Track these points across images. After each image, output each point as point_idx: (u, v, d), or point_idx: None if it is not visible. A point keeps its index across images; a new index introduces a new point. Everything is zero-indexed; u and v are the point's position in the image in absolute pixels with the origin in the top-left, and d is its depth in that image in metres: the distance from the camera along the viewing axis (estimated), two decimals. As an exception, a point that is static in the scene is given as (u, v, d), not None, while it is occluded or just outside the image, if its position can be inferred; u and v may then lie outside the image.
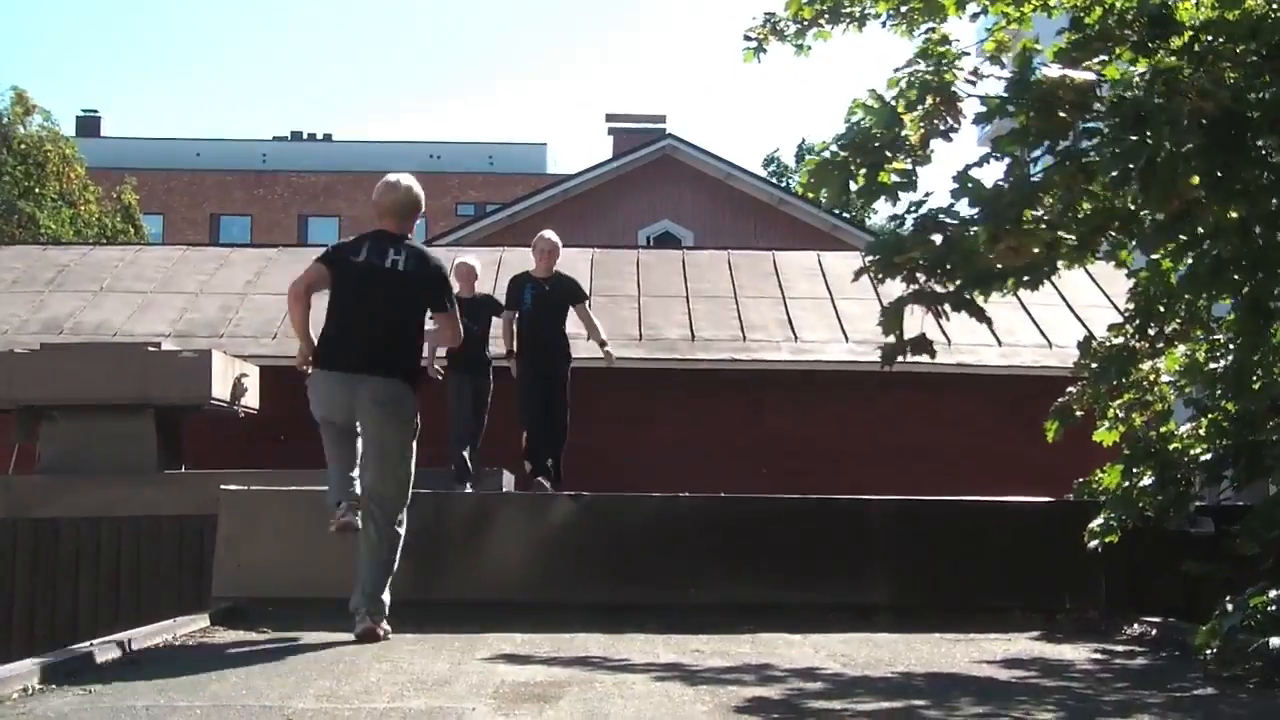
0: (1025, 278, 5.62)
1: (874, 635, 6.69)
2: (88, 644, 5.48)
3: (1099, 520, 6.96)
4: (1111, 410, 7.61)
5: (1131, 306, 7.38)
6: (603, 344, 10.13)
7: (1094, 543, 7.01)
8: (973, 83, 5.75)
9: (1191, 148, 4.65)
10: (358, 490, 6.44)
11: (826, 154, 5.88)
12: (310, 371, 6.54)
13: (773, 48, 7.87)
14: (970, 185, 5.53)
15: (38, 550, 9.79)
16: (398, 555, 6.39)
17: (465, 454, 10.08)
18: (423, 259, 6.61)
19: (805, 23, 7.76)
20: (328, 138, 51.21)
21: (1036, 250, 5.42)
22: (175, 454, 10.57)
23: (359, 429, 6.45)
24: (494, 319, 10.48)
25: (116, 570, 9.75)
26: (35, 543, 9.80)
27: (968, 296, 5.68)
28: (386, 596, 6.33)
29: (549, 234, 10.32)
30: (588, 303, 10.37)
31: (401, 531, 6.39)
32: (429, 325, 6.73)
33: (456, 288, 9.87)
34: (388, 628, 6.33)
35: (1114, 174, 4.90)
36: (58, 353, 10.76)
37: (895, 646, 6.31)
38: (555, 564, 7.50)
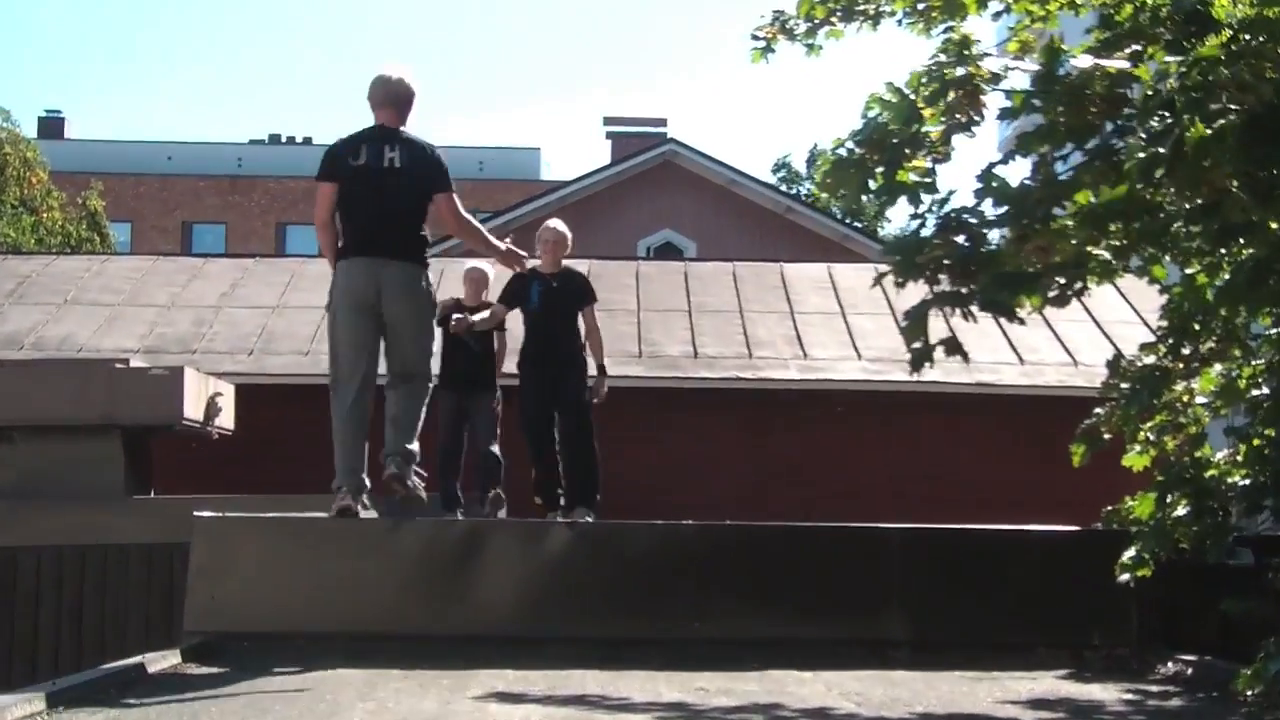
0: (1052, 293, 5.60)
1: (890, 673, 6.67)
2: (49, 683, 5.45)
3: (1130, 552, 6.94)
4: (1142, 433, 7.59)
5: (1164, 324, 7.36)
6: (600, 369, 9.11)
7: (1125, 576, 6.99)
8: (998, 78, 5.74)
9: (1226, 135, 4.62)
10: (364, 476, 7.30)
11: (842, 152, 5.86)
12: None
13: (781, 47, 7.87)
14: (995, 184, 5.52)
15: (-6, 581, 9.75)
16: (424, 408, 7.53)
17: (480, 486, 9.47)
18: (415, 149, 7.51)
19: (817, 21, 7.78)
20: (307, 141, 51.15)
21: (1066, 251, 5.40)
22: (144, 478, 10.54)
23: (380, 330, 7.53)
24: (500, 334, 9.90)
25: (79, 603, 9.71)
26: (-8, 573, 9.76)
27: (996, 296, 5.65)
28: (414, 445, 7.43)
29: (555, 223, 9.59)
30: (595, 307, 9.44)
31: (427, 388, 7.63)
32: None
33: (462, 293, 9.83)
34: (415, 480, 7.45)
35: (1140, 157, 4.88)
36: (18, 370, 10.74)
37: (913, 685, 6.29)
38: (551, 596, 7.48)
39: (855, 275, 17.25)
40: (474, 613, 7.37)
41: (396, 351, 7.58)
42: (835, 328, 15.62)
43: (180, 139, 52.65)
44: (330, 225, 7.63)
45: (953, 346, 6.00)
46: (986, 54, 6.18)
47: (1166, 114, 4.85)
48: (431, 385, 7.79)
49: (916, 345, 6.02)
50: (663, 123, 30.97)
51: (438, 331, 8.34)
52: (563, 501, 8.67)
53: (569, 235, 9.44)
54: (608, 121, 31.53)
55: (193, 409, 10.33)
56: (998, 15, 7.86)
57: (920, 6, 7.63)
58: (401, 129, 7.57)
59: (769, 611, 7.46)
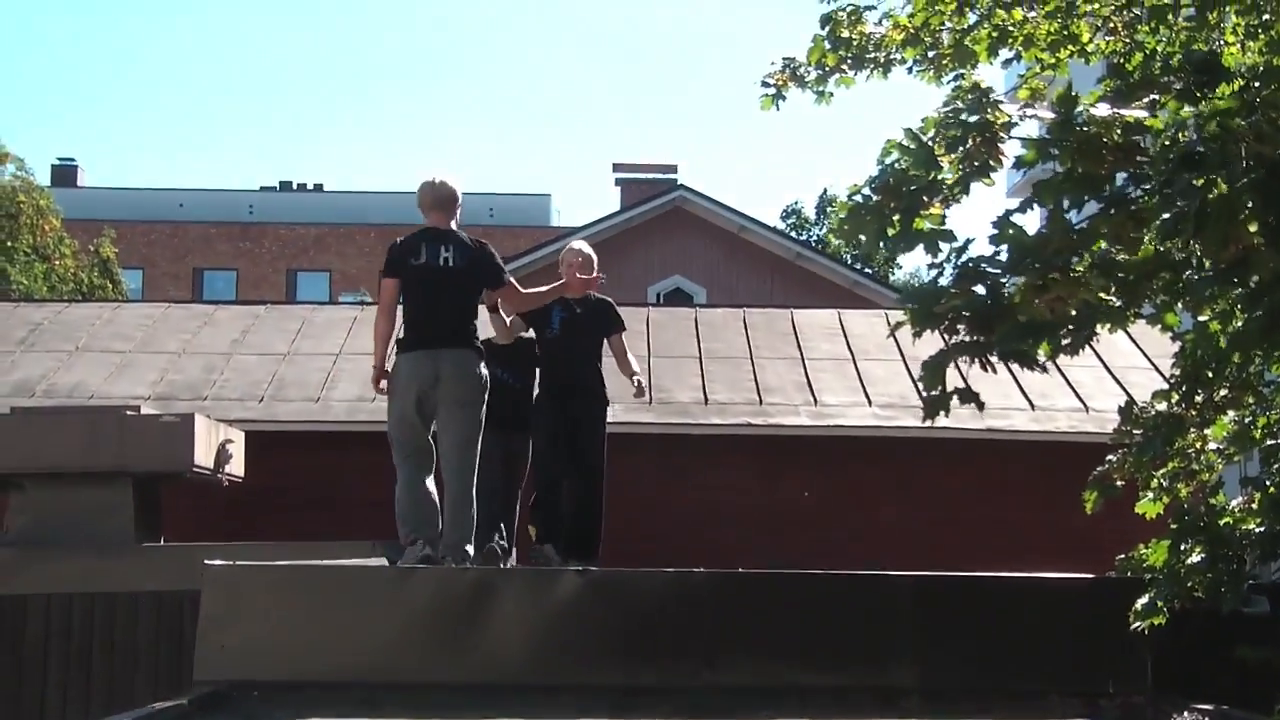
0: (1067, 341, 5.58)
1: (902, 721, 6.62)
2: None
3: (1144, 599, 6.89)
4: (1155, 480, 7.56)
5: (1177, 371, 7.34)
6: (633, 374, 9.12)
7: (1139, 623, 6.94)
8: (1015, 124, 5.74)
9: (1249, 192, 4.62)
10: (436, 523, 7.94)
11: (859, 198, 5.85)
12: (384, 385, 8.27)
13: (792, 95, 7.92)
14: (1011, 232, 5.51)
15: (3, 629, 9.71)
16: (474, 503, 8.06)
17: (496, 529, 9.13)
18: (465, 249, 8.28)
19: (827, 69, 7.81)
20: (319, 188, 51.47)
21: (1083, 299, 5.38)
22: (154, 525, 10.52)
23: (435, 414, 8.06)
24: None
25: (89, 650, 9.67)
26: (0, 621, 9.73)
27: (1016, 346, 5.63)
28: (469, 549, 8.01)
29: (579, 243, 9.43)
30: (624, 334, 9.34)
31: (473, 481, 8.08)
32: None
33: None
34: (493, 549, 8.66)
35: (1165, 218, 4.87)
36: (29, 417, 10.74)
37: (925, 734, 6.24)
38: (560, 644, 7.43)
39: (865, 321, 17.28)
40: (485, 661, 7.32)
41: (449, 434, 8.11)
42: (846, 374, 15.61)
43: (192, 186, 52.95)
44: (390, 313, 8.38)
45: (968, 396, 5.97)
46: (999, 101, 6.19)
47: (1188, 172, 4.83)
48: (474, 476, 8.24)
49: (933, 394, 5.99)
50: (673, 169, 31.07)
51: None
52: (552, 545, 8.83)
53: (593, 256, 9.22)
54: (618, 168, 31.64)
55: (203, 456, 10.32)
56: (1008, 63, 7.91)
57: (931, 54, 7.68)
58: (452, 228, 8.37)
59: (779, 659, 7.41)
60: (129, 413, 10.34)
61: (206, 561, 7.53)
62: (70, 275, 30.75)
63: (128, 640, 9.63)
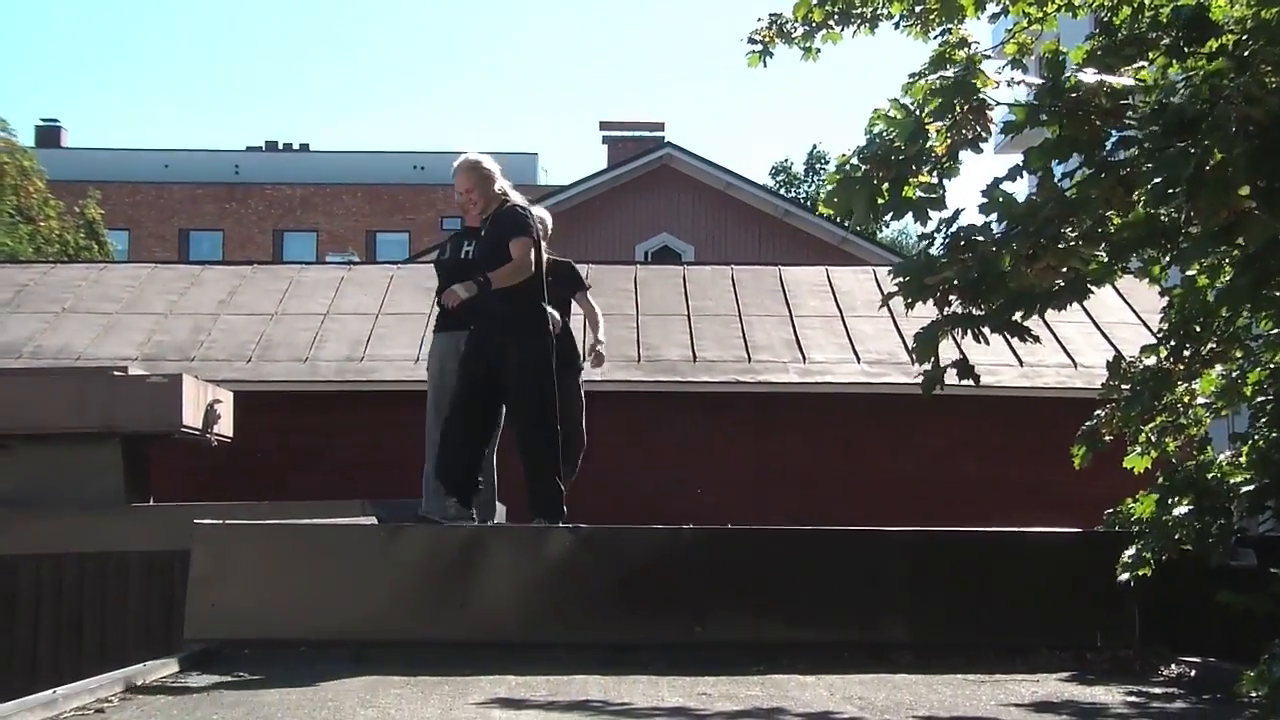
0: (1059, 300, 5.59)
1: (892, 676, 6.65)
2: (49, 691, 5.43)
3: (1131, 552, 6.94)
4: (1143, 435, 7.59)
5: (1165, 326, 7.36)
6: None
7: (1125, 575, 6.98)
8: (1007, 85, 5.72)
9: (1241, 156, 4.61)
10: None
11: (847, 168, 5.84)
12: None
13: (779, 51, 7.87)
14: (1001, 200, 5.50)
15: (-7, 590, 9.73)
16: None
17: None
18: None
19: (814, 25, 7.77)
20: (305, 148, 51.25)
21: (1073, 268, 5.38)
22: (143, 486, 10.52)
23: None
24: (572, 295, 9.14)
25: (79, 610, 9.68)
26: (-9, 582, 9.74)
27: (1007, 318, 5.63)
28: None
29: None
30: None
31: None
32: None
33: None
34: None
35: (1157, 183, 4.87)
36: (16, 378, 10.73)
37: (915, 688, 6.27)
38: (552, 601, 7.46)
39: (854, 278, 17.28)
40: (475, 619, 7.35)
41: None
42: (834, 330, 15.62)
43: (177, 146, 52.75)
44: None
45: (965, 370, 5.97)
46: (986, 55, 6.16)
47: (1179, 137, 4.82)
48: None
49: (926, 368, 5.99)
50: (660, 127, 31.02)
51: None
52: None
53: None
54: (604, 126, 31.59)
55: (192, 416, 10.30)
56: (995, 18, 7.86)
57: (918, 9, 7.64)
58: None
59: (770, 615, 7.45)
60: (117, 374, 10.31)
61: (196, 521, 7.55)
62: (56, 237, 30.64)
63: (118, 600, 9.64)
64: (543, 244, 8.42)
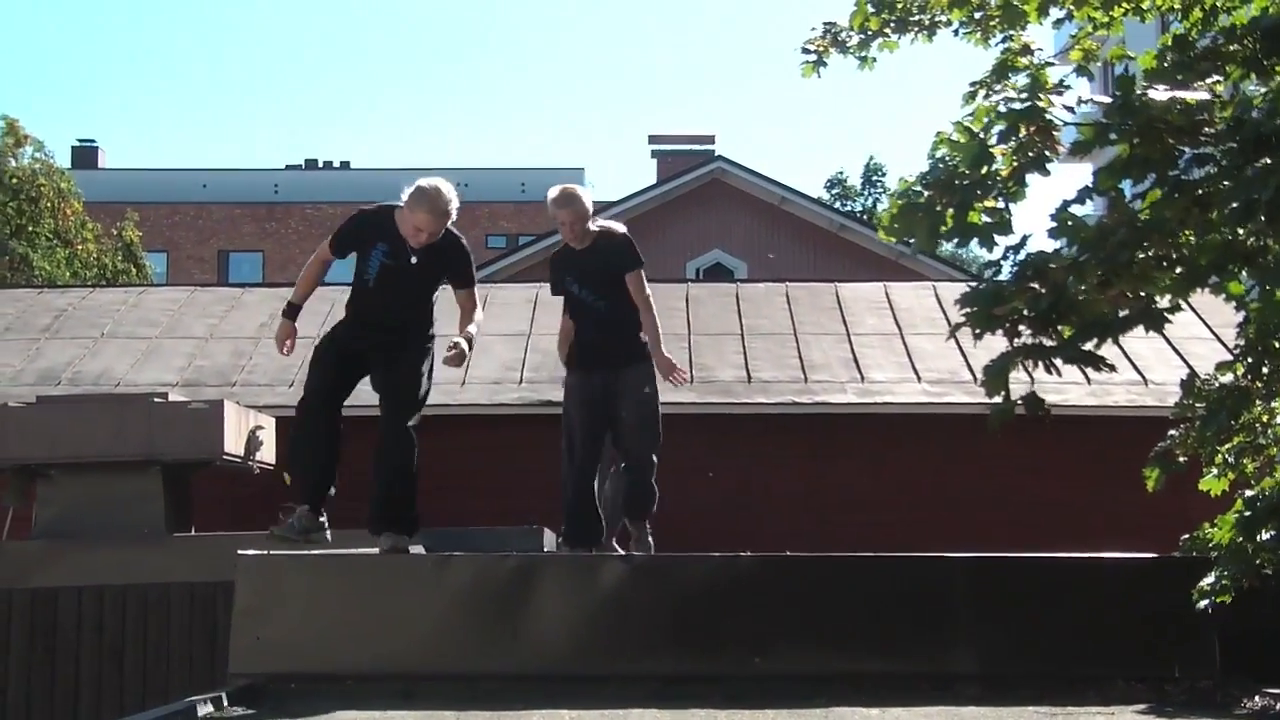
0: (1133, 328, 5.54)
1: (959, 709, 6.61)
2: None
3: (1210, 578, 6.85)
4: (1220, 456, 7.51)
5: (1242, 342, 7.28)
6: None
7: (1204, 602, 6.90)
8: (1070, 107, 5.67)
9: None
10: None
11: (910, 195, 5.81)
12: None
13: (833, 61, 7.86)
14: (1071, 224, 5.44)
15: (34, 622, 9.80)
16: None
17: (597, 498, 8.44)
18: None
19: (870, 33, 7.76)
20: (345, 166, 51.57)
21: (1148, 294, 5.33)
22: (185, 515, 10.59)
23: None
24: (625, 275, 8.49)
25: (121, 643, 9.76)
26: (32, 614, 9.81)
27: (1080, 348, 5.58)
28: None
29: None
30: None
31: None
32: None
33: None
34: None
35: (1235, 204, 4.81)
36: (55, 406, 10.81)
37: (984, 721, 6.23)
38: (605, 632, 7.45)
39: (913, 294, 17.21)
40: (526, 650, 7.34)
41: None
42: (893, 349, 15.56)
43: (216, 166, 53.09)
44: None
45: (1034, 403, 5.93)
46: (1049, 63, 6.12)
47: (1259, 156, 4.76)
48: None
49: (997, 400, 5.94)
50: (710, 140, 31.00)
51: None
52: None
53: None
54: (653, 140, 31.61)
55: (233, 443, 10.37)
56: (1059, 23, 7.82)
57: (978, 15, 7.61)
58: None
59: (832, 646, 7.41)
60: (157, 400, 10.39)
61: (240, 551, 7.58)
62: (93, 260, 30.88)
63: (160, 633, 9.71)
64: None
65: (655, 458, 8.42)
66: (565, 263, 8.63)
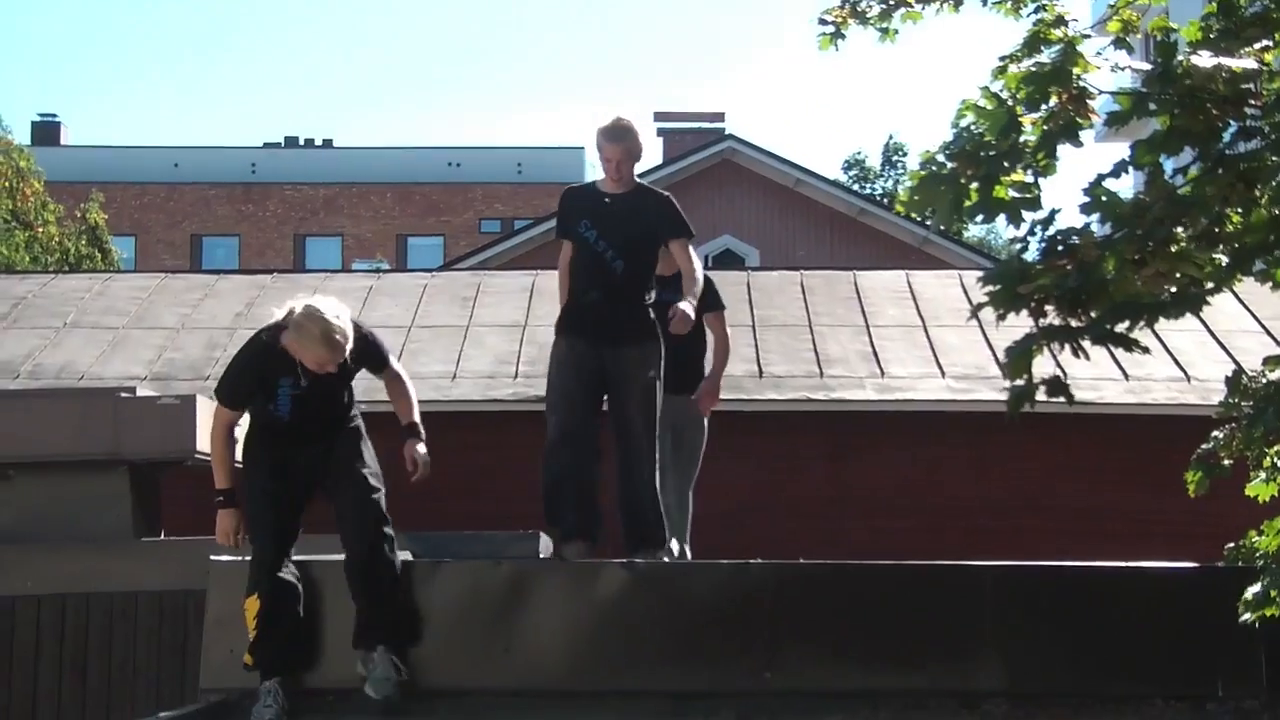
0: (1170, 312, 5.53)
1: (986, 729, 6.62)
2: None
3: (1256, 589, 6.85)
4: (1269, 459, 7.50)
5: (1291, 334, 7.29)
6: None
7: (1249, 615, 6.90)
8: (1111, 70, 5.66)
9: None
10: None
11: (933, 166, 5.80)
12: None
13: (852, 33, 7.85)
14: (1105, 200, 5.44)
15: (-10, 633, 9.82)
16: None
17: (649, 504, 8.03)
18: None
19: (892, 3, 7.75)
20: (327, 144, 51.60)
21: (1188, 275, 5.32)
22: (154, 518, 10.59)
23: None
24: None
25: (84, 656, 9.77)
26: (-12, 624, 9.83)
27: (1110, 329, 5.58)
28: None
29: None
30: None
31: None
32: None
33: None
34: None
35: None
36: (13, 401, 10.84)
37: (1012, 743, 6.24)
38: (606, 645, 7.46)
39: (937, 283, 17.22)
40: (521, 664, 7.36)
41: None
42: (916, 342, 15.57)
43: (188, 144, 53.09)
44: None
45: (1057, 388, 5.92)
46: (1086, 35, 6.12)
47: None
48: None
49: (1018, 383, 5.94)
50: (720, 118, 31.04)
51: None
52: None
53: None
54: (659, 117, 31.57)
55: (207, 441, 10.34)
56: (1097, -10, 7.82)
57: (1008, -19, 7.60)
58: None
59: (848, 660, 7.42)
60: (124, 395, 10.39)
61: (212, 557, 7.59)
62: (55, 244, 30.88)
63: (126, 645, 9.72)
64: None
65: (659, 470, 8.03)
66: (585, 203, 8.04)
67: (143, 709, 7.10)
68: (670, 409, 8.33)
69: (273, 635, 6.92)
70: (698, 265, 7.98)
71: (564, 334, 7.98)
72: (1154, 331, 14.44)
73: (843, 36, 7.76)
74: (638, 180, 8.14)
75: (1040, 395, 5.93)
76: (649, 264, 7.96)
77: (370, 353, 7.39)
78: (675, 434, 8.87)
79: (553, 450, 7.83)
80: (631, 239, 7.85)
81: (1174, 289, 5.43)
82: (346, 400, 7.43)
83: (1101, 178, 5.57)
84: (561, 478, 7.76)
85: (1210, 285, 5.52)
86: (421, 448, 7.34)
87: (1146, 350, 5.96)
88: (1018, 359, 5.80)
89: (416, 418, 7.47)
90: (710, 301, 8.76)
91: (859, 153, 56.07)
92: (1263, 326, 14.72)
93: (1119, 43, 6.79)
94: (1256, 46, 5.38)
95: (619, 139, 7.88)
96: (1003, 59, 6.28)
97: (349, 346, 7.06)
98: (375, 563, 7.01)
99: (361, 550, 7.00)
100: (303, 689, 7.04)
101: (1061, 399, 5.91)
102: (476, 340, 15.62)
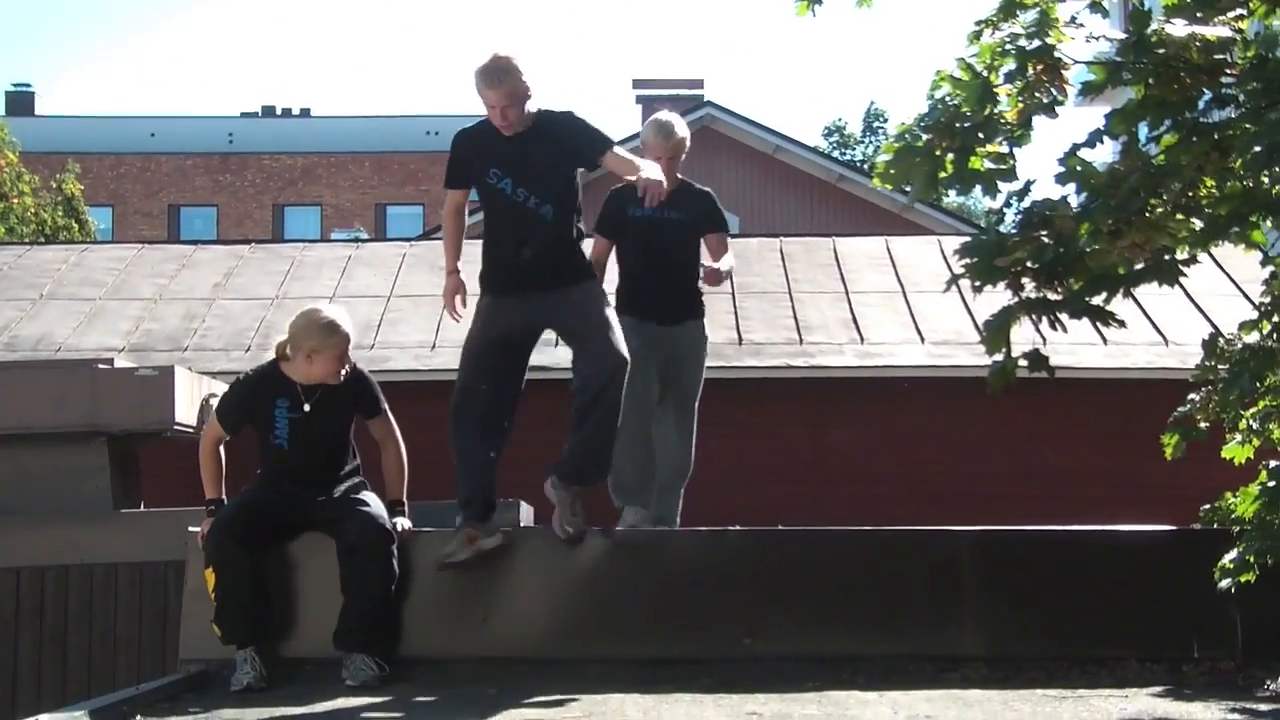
0: (1146, 282, 5.55)
1: (963, 692, 6.64)
2: (32, 718, 5.49)
3: (1232, 554, 6.88)
4: (1244, 422, 7.53)
5: (1268, 299, 7.30)
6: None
7: (1226, 581, 6.93)
8: (1085, 41, 5.66)
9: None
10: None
11: (908, 137, 5.80)
12: None
13: (830, -2, 7.84)
14: (1080, 170, 5.45)
15: (-31, 606, 9.80)
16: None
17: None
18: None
19: (867, -34, 7.74)
20: (305, 113, 51.47)
21: (1163, 245, 5.34)
22: (133, 490, 10.57)
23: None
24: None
25: (64, 628, 9.74)
26: (-34, 597, 9.81)
27: (1089, 301, 5.59)
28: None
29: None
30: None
31: None
32: None
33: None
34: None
35: (1257, 149, 4.82)
36: (-9, 373, 10.78)
37: (989, 705, 6.26)
38: (585, 612, 7.48)
39: (917, 249, 17.25)
40: (499, 632, 7.37)
41: None
42: (895, 308, 15.60)
43: (164, 113, 52.86)
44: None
45: (1037, 361, 5.94)
46: (1060, -2, 6.12)
47: None
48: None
49: (997, 358, 5.96)
50: (699, 84, 30.96)
51: None
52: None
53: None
54: (637, 84, 31.50)
55: (185, 412, 10.34)
56: (1073, -44, 7.81)
57: (986, -56, 7.60)
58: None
59: (827, 626, 7.44)
60: (102, 366, 10.35)
61: (191, 528, 7.58)
62: (31, 215, 30.74)
63: (106, 617, 9.70)
64: None
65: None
66: (486, 147, 7.28)
67: (124, 680, 7.10)
68: (664, 341, 8.45)
69: (230, 604, 6.94)
70: (631, 156, 7.33)
71: (492, 292, 7.51)
72: (1133, 296, 14.50)
73: (820, 2, 7.74)
74: (531, 110, 7.21)
75: (1021, 369, 5.97)
76: (575, 198, 7.33)
77: (366, 389, 7.48)
78: (672, 364, 8.65)
79: (455, 416, 7.46)
80: (552, 178, 7.19)
81: (1149, 260, 5.45)
82: (348, 445, 7.47)
83: (1076, 147, 5.59)
84: (462, 449, 7.40)
85: (1185, 255, 5.54)
86: (406, 523, 7.33)
87: (1123, 324, 5.98)
88: (995, 333, 5.82)
89: (403, 494, 7.47)
90: (717, 221, 8.85)
91: (839, 119, 56.17)
92: (1239, 289, 14.76)
93: (1094, 6, 6.79)
94: (1231, 15, 5.39)
95: (498, 82, 7.05)
96: (978, 23, 6.28)
97: (349, 341, 7.32)
98: (374, 563, 7.05)
99: (361, 545, 7.02)
100: (281, 657, 7.05)
101: (1042, 373, 5.94)
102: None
